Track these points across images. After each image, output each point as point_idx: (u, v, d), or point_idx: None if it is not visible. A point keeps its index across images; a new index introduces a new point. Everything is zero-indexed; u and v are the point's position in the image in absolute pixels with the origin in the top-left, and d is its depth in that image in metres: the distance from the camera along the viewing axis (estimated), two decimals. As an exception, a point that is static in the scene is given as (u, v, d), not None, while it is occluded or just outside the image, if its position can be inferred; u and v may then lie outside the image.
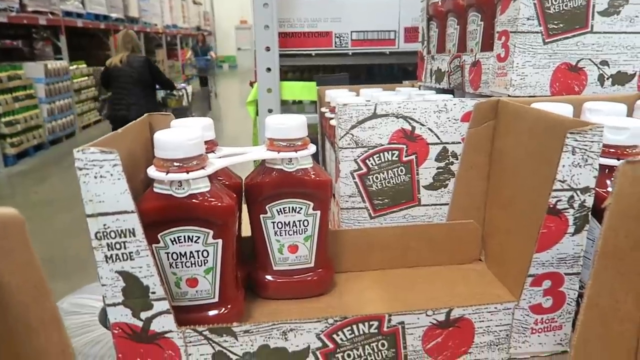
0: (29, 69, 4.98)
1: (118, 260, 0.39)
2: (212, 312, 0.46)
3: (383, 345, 0.44)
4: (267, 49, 1.22)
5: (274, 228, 0.51)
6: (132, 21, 8.00)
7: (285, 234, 0.52)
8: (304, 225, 0.52)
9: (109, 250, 0.38)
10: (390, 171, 0.59)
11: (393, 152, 0.58)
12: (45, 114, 5.14)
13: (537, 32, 0.60)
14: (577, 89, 0.63)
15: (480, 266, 0.60)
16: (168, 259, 0.44)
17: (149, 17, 9.02)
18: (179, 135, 0.42)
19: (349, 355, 0.44)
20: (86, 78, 6.23)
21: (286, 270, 0.53)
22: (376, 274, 0.59)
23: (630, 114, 0.57)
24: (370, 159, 0.58)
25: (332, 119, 0.76)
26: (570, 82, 0.63)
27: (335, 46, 1.33)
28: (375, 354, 0.44)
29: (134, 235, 0.38)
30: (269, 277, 0.53)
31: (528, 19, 0.59)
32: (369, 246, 0.59)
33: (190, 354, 0.42)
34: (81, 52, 6.52)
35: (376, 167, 0.58)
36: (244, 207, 0.53)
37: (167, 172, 0.42)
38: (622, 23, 0.61)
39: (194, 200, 0.43)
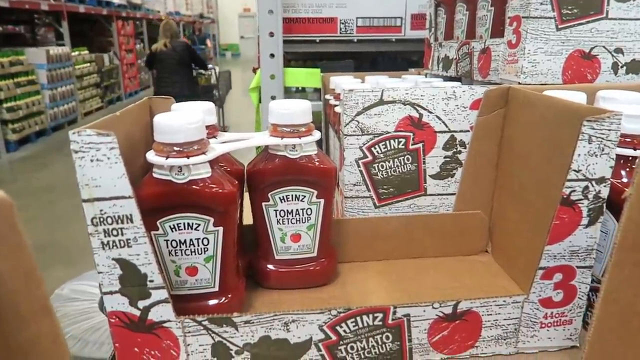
0: (31, 55, 4.95)
1: (115, 247, 0.37)
2: (212, 302, 0.45)
3: (387, 337, 0.43)
4: (271, 34, 1.20)
5: (276, 216, 0.50)
6: (134, 7, 7.95)
7: (288, 223, 0.50)
8: (307, 214, 0.50)
9: (105, 236, 0.37)
10: (396, 159, 0.57)
11: (399, 140, 0.57)
12: (47, 100, 5.12)
13: (550, 18, 0.58)
14: (589, 77, 0.61)
15: (486, 257, 0.58)
16: (167, 247, 0.43)
17: (151, 4, 8.96)
18: (179, 119, 0.41)
19: (352, 348, 0.42)
20: (88, 64, 6.20)
21: (288, 260, 0.52)
22: (380, 265, 0.57)
23: (645, 103, 0.55)
24: (376, 146, 0.57)
25: (336, 106, 0.74)
26: (583, 70, 0.61)
27: (340, 32, 1.31)
28: (380, 347, 0.43)
29: (132, 222, 0.37)
30: (270, 267, 0.52)
31: (541, 3, 0.57)
32: (373, 236, 0.57)
33: (189, 344, 0.41)
34: (83, 39, 6.49)
35: (382, 155, 0.57)
36: (246, 195, 0.52)
37: (167, 157, 0.41)
38: (639, 9, 0.59)
39: (194, 187, 0.41)
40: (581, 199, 0.40)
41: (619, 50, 0.60)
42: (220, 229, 0.43)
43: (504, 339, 0.44)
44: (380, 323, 0.42)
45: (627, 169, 0.44)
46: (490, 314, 0.43)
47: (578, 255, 0.41)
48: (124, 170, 0.36)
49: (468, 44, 0.74)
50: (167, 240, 0.43)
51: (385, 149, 0.57)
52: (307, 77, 1.27)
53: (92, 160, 0.35)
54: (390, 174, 0.58)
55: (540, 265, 0.42)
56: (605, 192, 0.40)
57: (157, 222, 0.42)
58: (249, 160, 0.51)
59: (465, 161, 0.58)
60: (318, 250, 0.52)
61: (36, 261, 0.24)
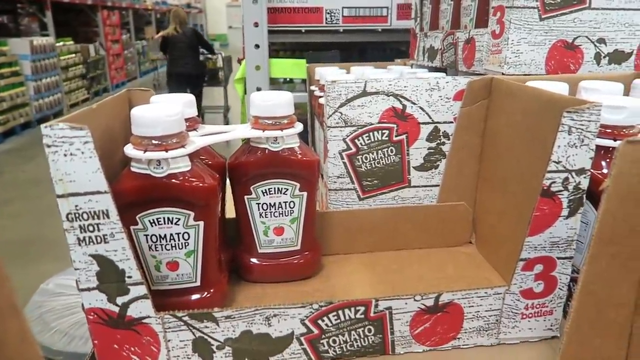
0: (14, 45, 4.86)
1: (92, 243, 0.37)
2: (194, 297, 0.45)
3: (370, 330, 0.42)
4: (256, 24, 1.19)
5: (259, 210, 0.50)
6: (120, -3, 7.82)
7: (271, 216, 0.50)
8: (290, 207, 0.50)
9: (81, 232, 0.36)
10: (380, 151, 0.57)
11: (383, 131, 0.56)
12: (31, 91, 5.04)
13: (534, 8, 0.58)
14: (572, 68, 0.61)
15: (470, 249, 0.58)
16: (147, 242, 0.42)
17: (137, -7, 8.83)
18: (157, 111, 0.40)
19: (334, 341, 0.42)
20: (73, 55, 6.11)
21: (272, 253, 0.51)
22: (364, 257, 0.57)
23: (627, 93, 0.55)
24: (360, 138, 0.56)
25: (321, 97, 0.74)
26: (566, 61, 0.61)
27: (326, 22, 1.30)
28: (362, 340, 0.43)
29: (108, 217, 0.36)
30: (254, 260, 0.52)
31: (524, -7, 0.57)
32: (357, 228, 0.57)
33: (169, 340, 0.40)
34: (68, 29, 6.38)
35: (365, 147, 0.57)
36: (229, 188, 0.51)
37: (145, 151, 0.40)
38: (621, -1, 0.59)
39: (173, 180, 0.41)
40: (561, 190, 0.40)
41: (601, 41, 0.60)
42: (201, 223, 0.43)
43: (486, 330, 0.45)
44: (362, 316, 0.42)
45: (607, 160, 0.44)
46: (472, 306, 0.43)
47: (558, 246, 0.42)
48: (99, 165, 0.35)
49: (453, 34, 0.73)
50: (146, 235, 0.42)
51: (369, 141, 0.57)
52: (293, 68, 1.26)
53: (65, 155, 0.34)
54: (374, 166, 0.58)
55: (521, 256, 0.42)
56: (585, 183, 0.40)
57: (137, 217, 0.41)
58: (233, 152, 0.51)
59: (448, 153, 0.58)
60: (301, 244, 0.52)
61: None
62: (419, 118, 0.56)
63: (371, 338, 0.43)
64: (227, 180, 0.51)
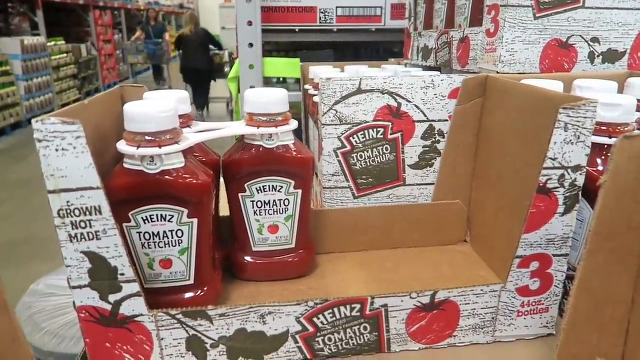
0: (5, 45, 4.82)
1: (84, 240, 0.36)
2: (187, 295, 0.44)
3: (365, 328, 0.42)
4: (249, 23, 1.18)
5: (253, 207, 0.49)
6: (112, -3, 7.77)
7: (265, 214, 0.50)
8: (285, 205, 0.49)
9: (73, 229, 0.35)
10: (375, 149, 0.57)
11: (378, 129, 0.56)
12: (22, 91, 5.00)
13: (528, 7, 0.58)
14: (567, 67, 0.61)
15: (465, 247, 0.58)
16: (140, 239, 0.42)
17: (130, -7, 8.78)
18: (150, 107, 0.40)
19: (330, 339, 0.42)
20: (65, 55, 6.06)
21: (266, 252, 0.51)
22: (359, 255, 0.57)
23: (620, 93, 0.55)
24: (355, 136, 0.56)
25: (315, 96, 0.73)
26: (561, 60, 0.61)
27: (320, 22, 1.29)
28: (358, 338, 0.42)
29: (101, 214, 0.35)
30: (248, 259, 0.51)
31: (519, -8, 0.57)
32: (352, 227, 0.57)
33: (162, 339, 0.40)
34: (60, 29, 6.33)
35: (360, 145, 0.56)
36: (223, 185, 0.51)
37: (138, 147, 0.39)
38: (615, -2, 0.59)
39: (167, 177, 0.40)
40: (557, 187, 0.39)
41: (595, 40, 0.61)
42: (195, 220, 0.42)
43: (482, 328, 0.44)
44: (358, 314, 0.42)
45: (603, 157, 0.44)
46: (468, 304, 0.43)
47: (554, 244, 0.42)
48: (91, 160, 0.34)
49: (447, 33, 0.73)
50: (139, 233, 0.41)
51: (364, 139, 0.56)
52: (286, 67, 1.26)
53: (57, 150, 0.34)
54: (369, 164, 0.57)
55: (517, 254, 0.42)
56: (581, 180, 0.40)
57: (129, 214, 0.41)
58: (226, 150, 0.50)
59: (443, 151, 0.57)
60: (296, 242, 0.51)
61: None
62: (414, 116, 0.56)
63: (367, 336, 0.43)
64: (222, 178, 0.50)
